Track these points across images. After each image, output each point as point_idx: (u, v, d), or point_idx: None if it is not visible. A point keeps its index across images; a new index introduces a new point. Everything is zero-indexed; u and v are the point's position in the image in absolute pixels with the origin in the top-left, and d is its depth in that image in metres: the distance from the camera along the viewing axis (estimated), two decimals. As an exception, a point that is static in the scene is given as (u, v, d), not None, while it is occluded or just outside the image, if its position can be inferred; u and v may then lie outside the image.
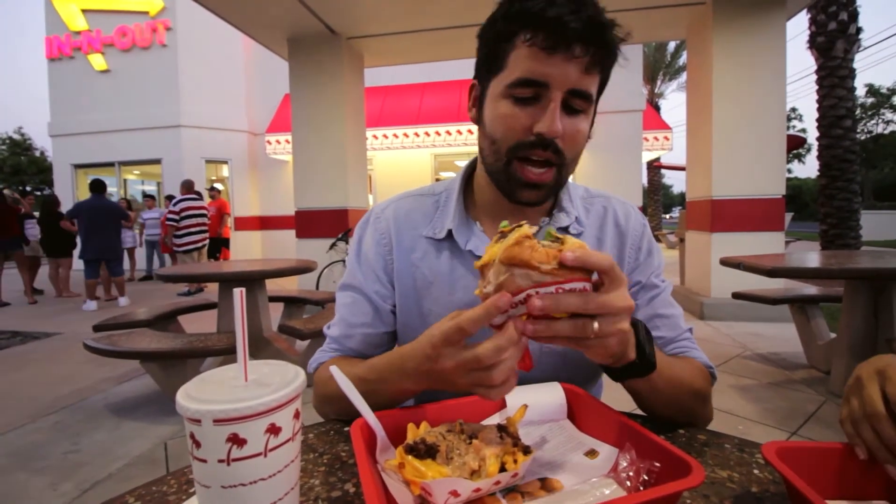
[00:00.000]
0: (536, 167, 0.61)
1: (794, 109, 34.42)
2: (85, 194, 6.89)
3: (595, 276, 0.42)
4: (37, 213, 6.75)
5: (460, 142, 8.76)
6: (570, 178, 0.75)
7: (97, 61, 10.08)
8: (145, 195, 8.20)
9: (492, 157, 0.64)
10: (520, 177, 0.62)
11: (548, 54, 0.55)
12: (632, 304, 0.43)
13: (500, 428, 0.47)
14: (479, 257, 0.68)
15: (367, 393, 0.49)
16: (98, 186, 5.77)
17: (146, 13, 9.81)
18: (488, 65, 0.62)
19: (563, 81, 0.57)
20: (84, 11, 10.13)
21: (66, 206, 6.70)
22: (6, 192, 6.33)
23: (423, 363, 0.49)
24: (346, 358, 0.70)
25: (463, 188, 0.74)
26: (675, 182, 64.19)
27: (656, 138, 10.17)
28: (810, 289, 3.28)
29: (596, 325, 0.41)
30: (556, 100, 0.57)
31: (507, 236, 0.42)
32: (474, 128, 0.69)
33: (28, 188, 30.25)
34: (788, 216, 6.35)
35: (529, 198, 0.63)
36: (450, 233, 0.70)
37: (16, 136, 30.49)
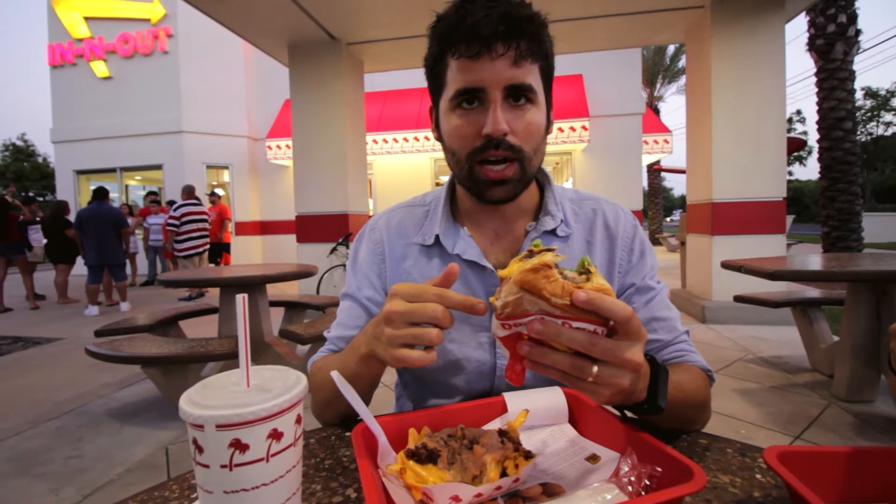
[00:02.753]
0: (496, 165, 0.63)
1: (798, 112, 34.28)
2: (87, 199, 6.90)
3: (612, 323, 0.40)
4: (39, 219, 6.76)
5: (461, 146, 8.79)
6: (570, 183, 0.76)
7: (99, 68, 10.15)
8: (153, 200, 8.15)
9: (456, 167, 0.68)
10: (482, 178, 0.64)
11: (474, 61, 0.59)
12: (641, 362, 0.41)
13: (501, 433, 0.47)
14: (466, 261, 0.70)
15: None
16: (99, 194, 5.81)
17: (148, 20, 9.89)
18: (434, 86, 0.68)
19: (496, 81, 0.60)
20: (86, 19, 10.21)
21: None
22: (7, 197, 6.35)
23: (368, 332, 0.56)
24: (335, 354, 0.72)
25: (449, 196, 0.76)
26: (676, 185, 64.23)
27: (656, 141, 10.20)
28: (812, 291, 3.27)
29: (595, 369, 0.40)
30: (495, 100, 0.60)
31: (533, 256, 0.41)
32: None
33: (31, 194, 30.34)
34: (790, 219, 6.35)
35: (497, 195, 0.65)
36: (437, 238, 0.72)
37: (19, 143, 30.64)
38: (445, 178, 0.82)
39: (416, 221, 0.76)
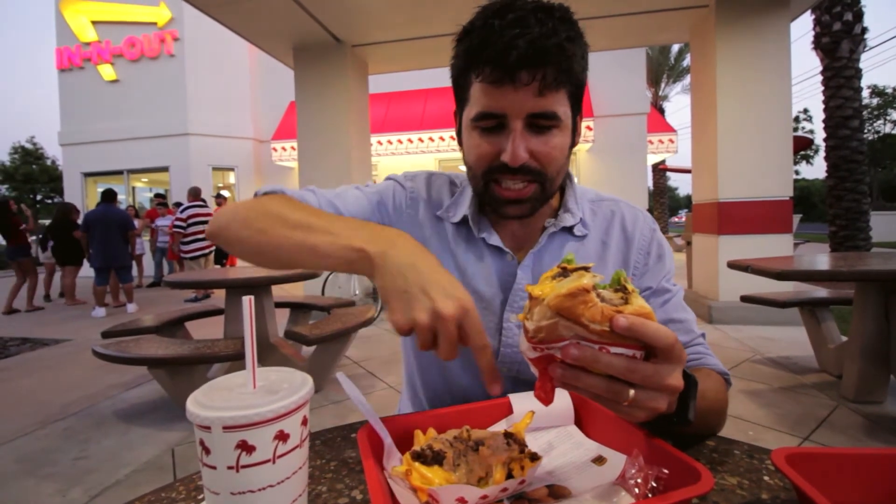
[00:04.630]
0: (513, 185, 0.62)
1: (805, 111, 33.94)
2: (94, 202, 6.95)
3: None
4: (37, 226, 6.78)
5: (465, 147, 8.80)
6: (577, 181, 0.76)
7: (106, 71, 10.25)
8: (160, 202, 8.21)
9: (472, 181, 0.67)
10: (499, 196, 0.63)
11: (496, 87, 0.57)
12: (681, 386, 0.39)
13: (507, 434, 0.47)
14: (490, 245, 0.70)
15: (291, 233, 0.53)
16: (108, 196, 5.86)
17: (154, 24, 9.97)
18: (458, 98, 0.66)
19: (518, 110, 0.58)
20: (94, 23, 10.31)
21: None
22: (12, 207, 6.35)
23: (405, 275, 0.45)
24: (311, 205, 0.66)
25: None
26: (681, 185, 63.82)
27: (661, 141, 10.14)
28: (820, 291, 3.24)
29: (632, 393, 0.38)
30: (515, 129, 0.58)
31: (567, 275, 0.39)
32: None
33: (39, 196, 30.62)
34: (797, 218, 6.29)
35: (514, 213, 0.65)
36: (464, 219, 0.72)
37: (28, 146, 30.94)
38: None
39: (448, 195, 0.76)
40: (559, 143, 0.61)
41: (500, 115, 0.59)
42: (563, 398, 0.57)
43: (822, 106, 7.38)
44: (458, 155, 0.69)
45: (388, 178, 0.79)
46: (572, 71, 0.57)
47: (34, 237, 6.38)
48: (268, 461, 0.35)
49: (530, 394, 0.57)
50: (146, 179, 11.74)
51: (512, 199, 0.63)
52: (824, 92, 7.33)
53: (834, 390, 2.59)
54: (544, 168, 0.61)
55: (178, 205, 7.50)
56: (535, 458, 0.44)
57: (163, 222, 7.86)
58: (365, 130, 5.57)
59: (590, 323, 0.36)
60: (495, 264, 0.71)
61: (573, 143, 0.65)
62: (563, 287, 0.37)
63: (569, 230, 0.71)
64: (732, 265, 2.64)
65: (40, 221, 7.06)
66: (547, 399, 0.42)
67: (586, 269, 0.39)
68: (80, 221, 6.17)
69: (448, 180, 0.78)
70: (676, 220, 35.02)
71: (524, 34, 0.53)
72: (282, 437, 0.35)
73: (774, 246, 4.15)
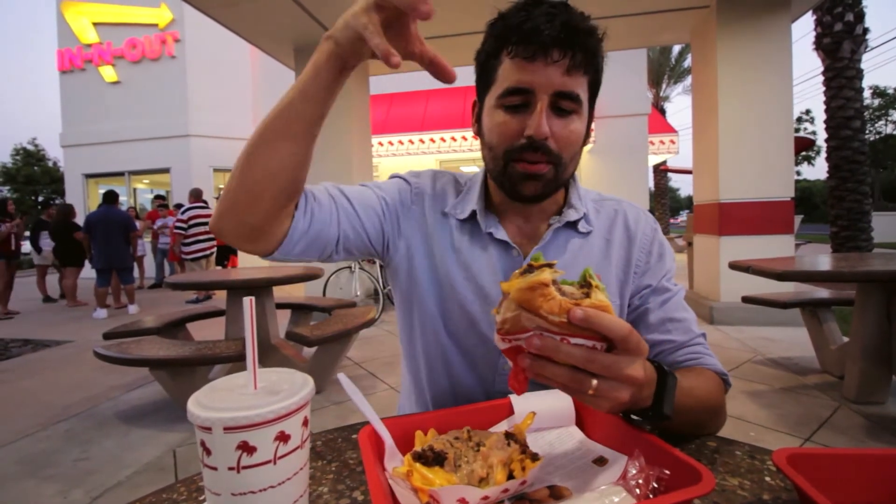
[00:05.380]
0: (532, 164, 0.64)
1: (808, 111, 33.82)
2: (95, 203, 6.95)
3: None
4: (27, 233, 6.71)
5: (465, 147, 8.79)
6: (578, 181, 0.76)
7: (108, 73, 10.27)
8: (161, 204, 8.23)
9: (491, 163, 0.68)
10: (518, 171, 0.65)
11: (528, 62, 0.60)
12: (640, 377, 0.41)
13: (508, 435, 0.47)
14: (497, 240, 0.71)
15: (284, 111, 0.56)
16: (109, 198, 5.87)
17: (155, 25, 9.99)
18: (482, 82, 0.68)
19: (546, 85, 0.61)
20: (95, 24, 10.33)
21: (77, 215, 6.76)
22: (10, 210, 6.29)
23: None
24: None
25: (483, 184, 0.77)
26: (682, 185, 63.72)
27: (662, 142, 10.14)
28: (822, 292, 3.23)
29: (595, 382, 0.40)
30: (542, 102, 0.61)
31: (533, 271, 0.40)
32: None
33: (41, 198, 30.69)
34: (798, 219, 6.29)
35: (530, 190, 0.66)
36: (472, 214, 0.73)
37: (29, 147, 31.01)
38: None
39: (455, 192, 0.77)
40: (577, 129, 0.64)
41: (528, 91, 0.61)
42: (563, 399, 0.57)
43: (824, 107, 7.37)
44: (459, 156, 0.70)
45: (393, 176, 0.80)
46: (596, 58, 0.63)
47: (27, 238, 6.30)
48: (269, 462, 0.35)
49: (531, 394, 0.57)
50: (147, 181, 11.76)
51: (531, 172, 0.64)
52: (826, 93, 7.32)
53: (835, 391, 2.59)
54: (561, 151, 0.64)
55: (178, 206, 7.51)
56: (535, 458, 0.44)
57: (163, 223, 7.87)
58: (366, 131, 5.58)
59: (548, 315, 0.38)
60: (500, 259, 0.71)
61: (585, 139, 0.67)
62: (525, 281, 0.39)
63: (573, 226, 0.72)
64: (734, 266, 2.64)
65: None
66: (519, 389, 0.44)
67: (550, 265, 0.41)
68: (78, 222, 6.16)
69: (453, 178, 0.80)
70: (673, 221, 34.86)
71: (557, 18, 0.59)
72: (283, 437, 0.36)
73: (776, 247, 4.14)
